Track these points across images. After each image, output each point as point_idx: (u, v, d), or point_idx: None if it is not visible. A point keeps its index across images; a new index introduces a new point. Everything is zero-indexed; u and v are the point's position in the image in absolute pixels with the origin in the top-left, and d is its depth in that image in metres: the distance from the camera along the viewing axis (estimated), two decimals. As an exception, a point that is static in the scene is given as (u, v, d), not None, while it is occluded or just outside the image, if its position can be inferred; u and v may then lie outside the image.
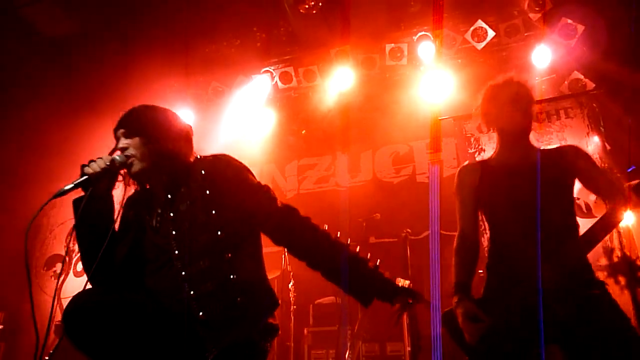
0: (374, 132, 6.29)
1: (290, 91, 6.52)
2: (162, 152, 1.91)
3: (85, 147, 6.31)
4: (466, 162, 2.62)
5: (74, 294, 1.71)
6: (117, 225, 1.97)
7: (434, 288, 4.48)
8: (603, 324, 1.94)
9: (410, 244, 4.71)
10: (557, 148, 2.44)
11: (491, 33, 5.58)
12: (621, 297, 4.18)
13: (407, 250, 4.63)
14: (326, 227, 2.06)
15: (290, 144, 6.84)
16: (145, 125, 1.96)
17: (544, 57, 5.48)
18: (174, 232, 1.85)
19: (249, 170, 2.00)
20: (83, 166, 1.87)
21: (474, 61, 5.88)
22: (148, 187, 2.01)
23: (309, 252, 1.94)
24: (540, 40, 5.51)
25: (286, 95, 6.60)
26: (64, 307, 1.68)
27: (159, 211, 1.93)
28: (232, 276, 1.80)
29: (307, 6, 5.57)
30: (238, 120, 6.51)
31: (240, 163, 1.99)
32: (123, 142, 1.92)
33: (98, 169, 1.85)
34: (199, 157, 2.02)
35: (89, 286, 1.83)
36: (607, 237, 4.54)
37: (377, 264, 1.99)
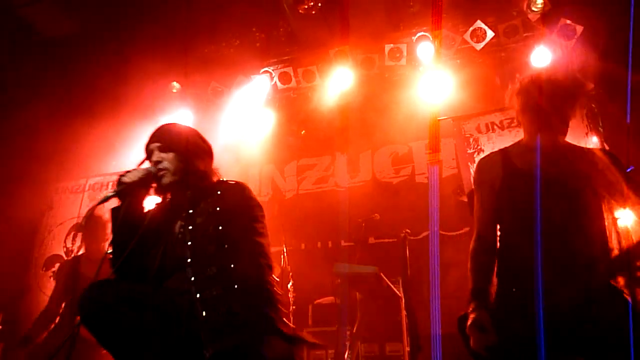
0: (373, 132, 6.30)
1: (289, 91, 6.52)
2: (192, 169, 2.16)
3: (82, 148, 6.35)
4: (485, 154, 2.42)
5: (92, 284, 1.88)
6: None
7: (433, 288, 4.48)
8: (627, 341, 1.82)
9: (409, 244, 4.71)
10: (588, 150, 2.30)
11: (490, 33, 5.59)
12: (620, 297, 4.18)
13: (406, 251, 4.63)
14: None
15: (290, 145, 6.84)
16: (179, 142, 2.18)
17: (543, 58, 5.48)
18: (189, 243, 2.03)
19: (260, 208, 2.18)
20: (121, 176, 2.05)
21: (473, 62, 5.89)
22: (170, 198, 2.19)
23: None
24: (540, 41, 5.51)
25: (285, 96, 6.60)
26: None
27: (182, 223, 2.11)
28: (235, 285, 1.94)
29: (306, 6, 5.58)
30: (237, 120, 6.50)
31: (255, 198, 2.18)
32: (157, 155, 2.13)
33: (135, 179, 2.04)
34: (222, 179, 2.26)
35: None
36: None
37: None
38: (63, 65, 6.16)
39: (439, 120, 5.62)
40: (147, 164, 2.19)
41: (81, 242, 4.12)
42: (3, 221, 5.93)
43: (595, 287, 1.91)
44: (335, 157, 6.75)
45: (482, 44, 5.64)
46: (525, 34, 5.62)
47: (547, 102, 2.23)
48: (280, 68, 6.33)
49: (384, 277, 4.86)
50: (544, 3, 5.26)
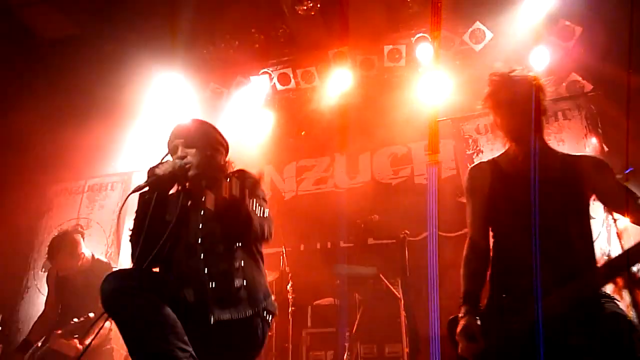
0: (373, 133, 6.29)
1: (288, 92, 6.53)
2: (213, 163, 2.44)
3: (81, 150, 6.34)
4: (475, 164, 2.46)
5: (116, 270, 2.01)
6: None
7: (432, 289, 4.48)
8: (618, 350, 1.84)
9: (408, 245, 4.70)
10: (579, 156, 2.27)
11: (489, 35, 5.60)
12: (619, 298, 4.18)
13: (405, 252, 4.62)
14: None
15: (289, 145, 6.84)
16: (200, 138, 2.42)
17: (542, 59, 5.49)
18: (200, 226, 2.29)
19: (264, 192, 2.49)
20: (153, 167, 2.22)
21: (471, 63, 5.89)
22: (188, 187, 2.36)
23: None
24: (539, 42, 5.52)
25: (284, 97, 6.61)
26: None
27: (195, 209, 2.36)
28: (241, 262, 2.22)
29: (305, 8, 5.58)
30: (236, 121, 6.51)
31: (256, 177, 2.44)
32: (182, 150, 2.30)
33: (166, 172, 2.21)
34: (234, 169, 2.54)
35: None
36: (605, 238, 4.56)
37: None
38: (61, 67, 6.15)
39: (438, 121, 5.63)
40: (168, 158, 2.35)
41: (49, 259, 4.12)
42: (2, 223, 5.93)
43: (581, 291, 1.92)
44: (334, 158, 6.75)
45: (481, 45, 5.65)
46: (524, 35, 5.61)
47: (517, 104, 2.23)
48: (279, 69, 6.34)
49: (383, 278, 4.86)
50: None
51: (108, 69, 6.07)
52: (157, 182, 2.19)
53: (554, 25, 5.38)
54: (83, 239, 4.24)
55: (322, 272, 5.43)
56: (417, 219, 5.36)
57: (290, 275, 5.28)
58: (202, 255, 2.20)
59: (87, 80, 6.15)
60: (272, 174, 6.88)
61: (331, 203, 6.33)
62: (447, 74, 5.82)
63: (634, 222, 2.09)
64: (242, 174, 2.45)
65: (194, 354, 1.89)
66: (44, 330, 3.92)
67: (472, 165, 2.46)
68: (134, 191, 2.19)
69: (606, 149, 4.87)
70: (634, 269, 4.39)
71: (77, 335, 3.69)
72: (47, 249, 4.13)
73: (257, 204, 2.35)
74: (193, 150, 2.31)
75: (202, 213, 2.34)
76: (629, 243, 2.00)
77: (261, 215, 2.34)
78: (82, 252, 4.10)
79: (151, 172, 2.21)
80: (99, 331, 3.55)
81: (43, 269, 6.40)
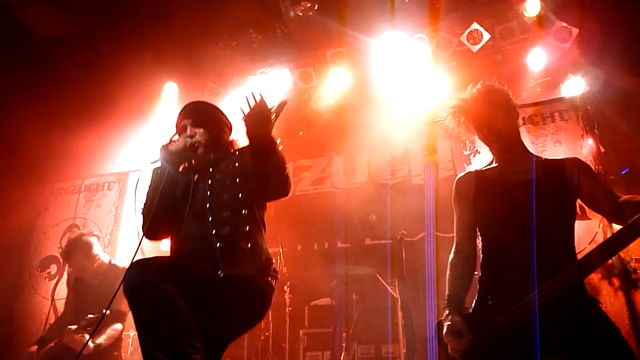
0: (370, 133, 6.30)
1: (286, 93, 6.52)
2: (219, 141, 2.64)
3: (78, 149, 6.33)
4: (462, 173, 2.55)
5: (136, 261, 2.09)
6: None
7: (429, 289, 4.49)
8: (600, 349, 1.89)
9: (405, 246, 4.71)
10: (559, 160, 2.32)
11: (486, 36, 5.61)
12: (615, 299, 4.20)
13: (402, 252, 4.63)
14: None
15: (286, 146, 6.75)
16: (208, 119, 2.65)
17: (539, 60, 5.52)
18: (209, 193, 2.44)
19: None
20: (165, 145, 2.44)
21: (469, 64, 5.90)
22: (195, 163, 2.57)
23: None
24: (535, 43, 5.54)
25: (282, 97, 6.59)
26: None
27: (203, 179, 2.52)
28: (246, 227, 2.35)
29: (303, 8, 5.58)
30: (234, 121, 6.49)
31: None
32: (191, 130, 2.55)
33: (178, 149, 2.44)
34: (238, 147, 2.72)
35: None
36: (601, 239, 4.58)
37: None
38: (58, 66, 6.14)
39: (435, 121, 5.64)
40: (175, 137, 2.57)
41: (65, 260, 4.20)
42: (-2, 222, 5.91)
43: (562, 289, 1.94)
44: (331, 158, 6.75)
45: (478, 46, 5.66)
46: (521, 36, 5.64)
47: (486, 117, 2.36)
48: (277, 69, 6.34)
49: (380, 279, 4.87)
50: (540, 7, 5.29)
51: (105, 69, 6.06)
52: (169, 157, 2.40)
53: (551, 26, 5.39)
54: (98, 241, 4.36)
55: (320, 272, 5.44)
56: (415, 220, 5.37)
57: (287, 275, 5.28)
58: (210, 218, 2.34)
59: (84, 79, 6.13)
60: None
61: (329, 203, 6.33)
62: (445, 75, 5.82)
63: (616, 223, 2.14)
64: (245, 150, 2.58)
65: (201, 350, 1.94)
66: (60, 330, 3.95)
67: (459, 175, 2.55)
68: (149, 165, 2.40)
69: (602, 149, 4.89)
70: (630, 268, 4.41)
71: (89, 332, 3.71)
72: (63, 251, 4.21)
73: None
74: (201, 130, 2.55)
75: (209, 182, 2.48)
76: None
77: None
78: (96, 254, 4.17)
79: (164, 148, 2.42)
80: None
81: (39, 269, 6.39)
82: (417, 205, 5.38)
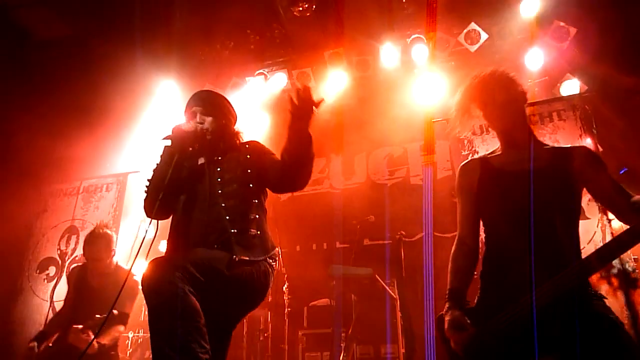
0: (368, 134, 6.30)
1: (284, 94, 6.52)
2: (226, 130, 2.75)
3: (76, 151, 6.32)
4: (465, 161, 2.46)
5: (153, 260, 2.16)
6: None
7: (427, 289, 4.49)
8: (602, 345, 1.84)
9: (404, 246, 4.72)
10: (567, 148, 2.23)
11: (484, 35, 5.61)
12: (614, 298, 4.20)
13: (401, 252, 4.63)
14: None
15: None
16: (216, 108, 2.75)
17: (536, 60, 5.51)
18: (219, 179, 2.55)
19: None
20: (178, 125, 2.54)
21: (467, 64, 5.90)
22: (204, 148, 2.67)
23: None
24: (533, 42, 5.54)
25: (280, 98, 6.60)
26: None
27: (212, 166, 2.63)
28: (256, 215, 2.51)
29: (300, 9, 5.59)
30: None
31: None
32: (200, 117, 2.66)
33: (189, 129, 2.55)
34: (243, 140, 2.82)
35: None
36: (600, 238, 4.58)
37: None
38: (56, 67, 6.14)
39: (433, 122, 5.63)
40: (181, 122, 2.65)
41: (84, 253, 4.23)
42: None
43: (567, 281, 1.91)
44: (330, 158, 6.76)
45: (476, 46, 5.66)
46: (519, 36, 5.65)
47: (506, 99, 2.25)
48: (274, 70, 6.34)
49: (379, 279, 4.86)
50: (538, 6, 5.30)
51: (102, 70, 6.06)
52: (181, 136, 2.50)
53: (549, 26, 5.40)
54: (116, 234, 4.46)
55: (318, 273, 5.44)
56: (413, 220, 5.37)
57: (286, 276, 5.27)
58: (223, 204, 2.45)
59: (81, 81, 6.13)
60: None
61: (327, 204, 6.33)
62: (443, 75, 5.82)
63: (622, 221, 2.07)
64: (254, 142, 2.75)
65: (210, 351, 2.01)
66: (59, 325, 4.00)
67: (462, 163, 2.46)
68: (163, 139, 2.49)
69: (601, 149, 4.88)
70: (629, 268, 4.40)
71: (95, 332, 3.73)
72: (84, 239, 4.22)
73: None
74: (210, 119, 2.66)
75: (218, 170, 2.59)
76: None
77: None
78: (114, 250, 4.25)
79: (177, 128, 2.52)
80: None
81: (38, 270, 6.38)
82: (416, 205, 5.38)
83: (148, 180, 2.54)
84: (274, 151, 2.63)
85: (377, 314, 4.82)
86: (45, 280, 6.29)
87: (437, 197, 5.30)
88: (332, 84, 6.17)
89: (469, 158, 2.59)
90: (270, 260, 2.49)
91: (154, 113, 6.50)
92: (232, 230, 2.38)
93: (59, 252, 6.34)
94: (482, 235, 2.30)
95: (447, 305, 2.16)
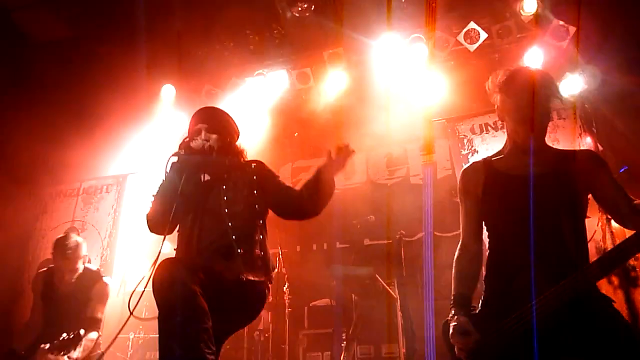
0: (368, 134, 6.30)
1: (283, 93, 6.52)
2: (231, 148, 2.82)
3: (76, 152, 6.32)
4: (468, 164, 2.39)
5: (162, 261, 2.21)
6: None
7: (427, 289, 4.49)
8: (613, 349, 1.83)
9: (404, 246, 4.72)
10: (573, 152, 2.22)
11: (484, 35, 5.60)
12: (614, 297, 4.19)
13: (401, 252, 4.63)
14: None
15: (284, 147, 6.83)
16: (220, 125, 2.80)
17: (536, 59, 5.51)
18: (225, 198, 2.59)
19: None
20: (187, 141, 2.64)
21: (466, 63, 5.90)
22: (210, 164, 2.72)
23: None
24: (533, 42, 5.54)
25: (280, 98, 6.60)
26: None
27: (219, 184, 2.66)
28: (260, 235, 2.60)
29: (300, 9, 5.58)
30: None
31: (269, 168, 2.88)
32: (205, 134, 2.69)
33: (198, 147, 2.62)
34: (247, 156, 2.90)
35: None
36: (600, 237, 4.58)
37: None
38: (55, 69, 6.13)
39: (433, 121, 5.63)
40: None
41: (53, 258, 4.08)
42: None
43: (575, 287, 1.89)
44: (330, 159, 6.73)
45: (475, 45, 5.65)
46: (518, 35, 5.64)
47: (536, 100, 2.19)
48: (274, 70, 6.33)
49: (380, 279, 4.86)
50: (537, 5, 5.29)
51: (102, 72, 6.05)
52: (189, 152, 2.58)
53: (548, 25, 5.39)
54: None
55: (319, 273, 5.44)
56: (413, 220, 5.36)
57: (286, 276, 5.28)
58: (229, 223, 2.50)
59: (81, 82, 6.13)
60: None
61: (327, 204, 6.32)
62: (442, 75, 5.82)
63: (624, 226, 2.07)
64: (260, 164, 2.80)
65: (215, 353, 2.08)
66: (29, 338, 3.84)
67: (465, 165, 2.41)
68: (171, 156, 2.52)
69: (600, 148, 4.89)
70: (629, 267, 4.40)
71: (64, 352, 3.62)
72: (53, 244, 4.07)
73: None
74: (215, 136, 2.70)
75: (224, 188, 2.63)
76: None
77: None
78: (83, 256, 4.11)
79: (185, 144, 2.62)
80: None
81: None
82: (416, 205, 5.38)
83: (153, 195, 2.57)
84: (276, 169, 2.80)
85: (378, 313, 4.82)
86: (46, 282, 6.29)
87: (437, 196, 5.29)
88: (332, 84, 6.17)
89: (471, 160, 2.56)
90: (269, 283, 2.59)
91: (153, 114, 6.50)
92: (239, 250, 2.44)
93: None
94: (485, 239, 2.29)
95: (452, 311, 2.14)
